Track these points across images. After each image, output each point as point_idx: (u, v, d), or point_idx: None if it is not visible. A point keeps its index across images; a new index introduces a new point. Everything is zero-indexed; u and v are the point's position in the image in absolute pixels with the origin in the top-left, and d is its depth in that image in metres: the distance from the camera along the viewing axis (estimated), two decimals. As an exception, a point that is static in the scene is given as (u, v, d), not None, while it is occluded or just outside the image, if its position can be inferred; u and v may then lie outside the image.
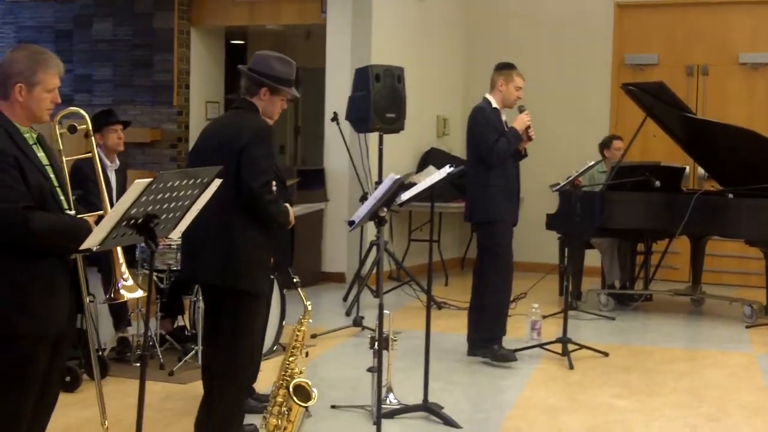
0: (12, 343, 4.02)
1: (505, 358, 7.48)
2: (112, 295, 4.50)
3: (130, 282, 4.47)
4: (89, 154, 5.02)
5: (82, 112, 4.84)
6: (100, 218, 4.26)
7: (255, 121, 5.23)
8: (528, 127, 7.44)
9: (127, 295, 4.47)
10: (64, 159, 4.37)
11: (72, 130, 5.13)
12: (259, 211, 5.12)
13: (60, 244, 4.09)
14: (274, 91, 5.28)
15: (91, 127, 4.81)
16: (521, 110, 7.50)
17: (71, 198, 4.29)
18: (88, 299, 4.57)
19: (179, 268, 7.23)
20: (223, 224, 4.95)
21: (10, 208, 3.92)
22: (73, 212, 4.23)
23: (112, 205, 5.25)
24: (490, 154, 7.34)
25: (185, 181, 4.09)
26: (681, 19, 12.22)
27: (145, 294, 4.81)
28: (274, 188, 5.41)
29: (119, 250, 4.42)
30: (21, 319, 4.01)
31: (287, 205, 5.46)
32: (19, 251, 4.00)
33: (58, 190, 4.23)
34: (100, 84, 12.94)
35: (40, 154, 4.20)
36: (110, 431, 5.55)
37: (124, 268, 4.50)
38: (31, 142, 4.18)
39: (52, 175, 4.21)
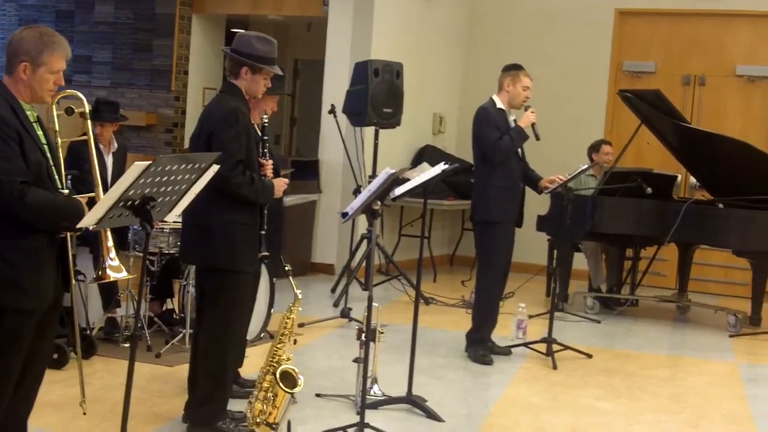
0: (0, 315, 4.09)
1: (481, 360, 7.54)
2: (99, 274, 4.54)
3: (117, 262, 4.51)
4: (85, 137, 5.06)
5: (80, 95, 4.86)
6: (91, 200, 4.32)
7: (226, 104, 5.38)
8: (533, 125, 7.48)
9: (112, 275, 4.50)
10: (59, 139, 4.41)
11: (69, 112, 5.17)
12: (232, 194, 5.24)
13: (52, 222, 4.14)
14: (255, 69, 5.41)
15: (88, 110, 4.83)
16: (526, 108, 7.54)
17: (65, 178, 4.33)
18: (77, 278, 4.60)
19: (170, 251, 7.30)
20: (202, 206, 5.01)
21: (8, 181, 3.98)
22: (66, 191, 4.28)
23: (106, 187, 5.32)
24: (492, 152, 7.37)
25: (183, 166, 4.15)
26: (681, 28, 12.28)
27: (131, 275, 4.86)
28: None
29: (108, 231, 4.46)
30: (9, 293, 4.06)
31: (271, 180, 5.54)
32: (9, 227, 4.05)
33: (53, 169, 4.27)
34: (99, 66, 12.95)
35: (39, 133, 4.26)
36: (96, 410, 5.62)
37: (111, 248, 4.52)
38: (32, 120, 4.24)
39: (48, 154, 4.26)
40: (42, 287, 4.16)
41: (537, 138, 7.46)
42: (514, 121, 7.53)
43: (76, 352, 6.62)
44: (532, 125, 7.45)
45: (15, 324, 4.11)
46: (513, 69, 7.60)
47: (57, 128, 4.44)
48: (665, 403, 6.79)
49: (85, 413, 4.78)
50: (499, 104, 7.55)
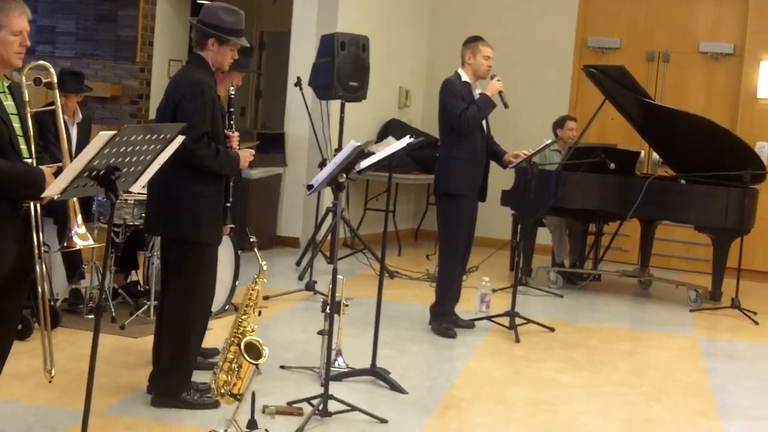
0: None
1: (445, 333, 7.59)
2: (66, 243, 4.53)
3: (83, 230, 4.51)
4: (51, 107, 5.03)
5: (49, 66, 4.85)
6: (60, 170, 4.30)
7: (191, 75, 5.37)
8: (500, 93, 7.48)
9: (79, 243, 4.50)
10: (29, 110, 4.39)
11: (37, 82, 5.14)
12: (196, 166, 5.25)
13: (9, 190, 4.13)
14: (222, 41, 5.40)
15: (56, 81, 4.81)
16: (492, 78, 7.54)
17: (33, 148, 4.30)
18: (42, 248, 4.59)
19: (134, 222, 7.28)
20: (167, 177, 5.00)
21: None
22: (31, 161, 4.26)
23: (71, 158, 5.30)
24: (459, 122, 7.37)
25: (148, 136, 4.14)
26: (645, 5, 12.34)
27: (98, 244, 4.87)
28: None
29: (75, 200, 4.46)
30: None
31: (236, 152, 5.54)
32: None
33: (21, 139, 4.25)
34: (63, 36, 12.83)
35: (8, 103, 4.25)
36: (60, 381, 5.61)
37: (79, 217, 4.52)
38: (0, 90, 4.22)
39: (16, 124, 4.25)
40: (0, 254, 4.15)
41: (505, 106, 7.45)
42: (480, 94, 7.54)
43: (39, 321, 6.65)
44: (500, 93, 7.47)
45: None
46: (472, 41, 7.63)
47: (27, 98, 4.42)
48: (626, 377, 6.87)
49: (50, 381, 4.78)
50: (464, 77, 7.57)
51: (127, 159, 4.04)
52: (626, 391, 6.51)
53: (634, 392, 6.49)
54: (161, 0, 12.57)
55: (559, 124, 10.50)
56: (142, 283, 7.78)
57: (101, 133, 3.79)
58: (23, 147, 4.26)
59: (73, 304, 7.46)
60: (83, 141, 7.54)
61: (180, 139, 4.37)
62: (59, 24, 12.82)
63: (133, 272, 8.01)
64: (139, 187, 4.46)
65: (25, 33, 4.25)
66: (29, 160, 4.26)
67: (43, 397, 5.42)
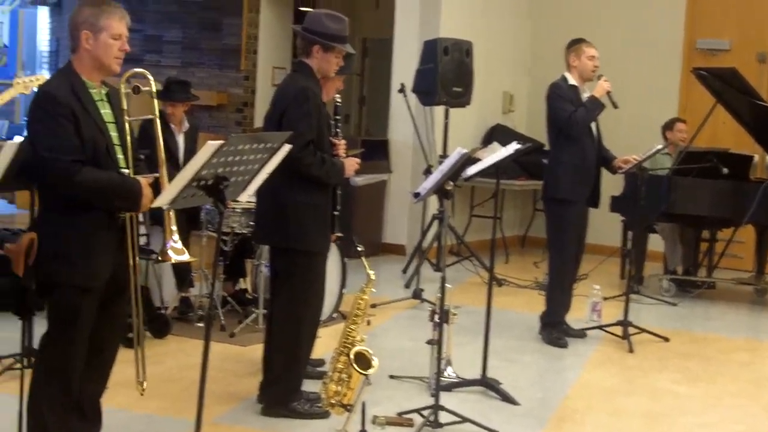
0: (56, 290, 4.15)
1: (555, 342, 7.45)
2: (161, 257, 4.51)
3: (179, 245, 4.47)
4: (151, 116, 4.99)
5: (148, 74, 4.81)
6: (156, 180, 4.28)
7: (297, 83, 5.36)
8: (609, 93, 7.31)
9: (174, 257, 4.46)
10: (126, 119, 4.37)
11: (136, 90, 5.12)
12: (303, 174, 5.22)
13: (104, 200, 4.13)
14: (327, 48, 5.37)
15: (154, 89, 4.77)
16: (599, 78, 7.38)
17: (131, 157, 4.28)
18: (151, 257, 4.56)
19: (242, 231, 7.29)
20: (274, 186, 4.98)
21: (59, 159, 4.00)
22: (127, 171, 4.24)
23: (178, 167, 5.28)
24: (569, 125, 7.24)
25: (255, 145, 4.11)
26: (756, 5, 11.98)
27: (192, 259, 4.86)
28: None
29: (172, 212, 4.42)
30: (62, 269, 4.12)
31: (342, 160, 5.50)
32: (63, 204, 4.09)
33: (118, 148, 4.23)
34: (170, 45, 12.99)
35: (105, 111, 4.23)
36: (170, 389, 5.63)
37: (174, 230, 4.49)
38: (97, 98, 4.21)
39: (113, 133, 4.23)
40: (96, 265, 4.17)
41: (615, 106, 7.29)
42: (589, 96, 7.39)
43: (151, 331, 6.69)
44: (608, 93, 7.31)
45: (71, 300, 4.15)
46: (575, 43, 7.50)
47: (125, 107, 4.40)
48: (744, 388, 6.65)
49: (142, 394, 4.76)
50: (571, 81, 7.42)
51: (235, 168, 4.02)
52: (745, 402, 6.30)
53: (754, 404, 6.28)
54: (264, 8, 12.63)
55: (668, 126, 10.29)
56: (250, 291, 7.79)
57: (209, 142, 3.77)
58: (120, 156, 4.24)
59: (183, 312, 7.51)
60: (190, 150, 7.59)
61: (287, 148, 4.34)
62: (166, 33, 12.98)
63: (241, 280, 8.04)
64: (247, 197, 4.43)
65: (124, 38, 4.23)
66: (126, 171, 4.24)
67: (153, 406, 5.43)
